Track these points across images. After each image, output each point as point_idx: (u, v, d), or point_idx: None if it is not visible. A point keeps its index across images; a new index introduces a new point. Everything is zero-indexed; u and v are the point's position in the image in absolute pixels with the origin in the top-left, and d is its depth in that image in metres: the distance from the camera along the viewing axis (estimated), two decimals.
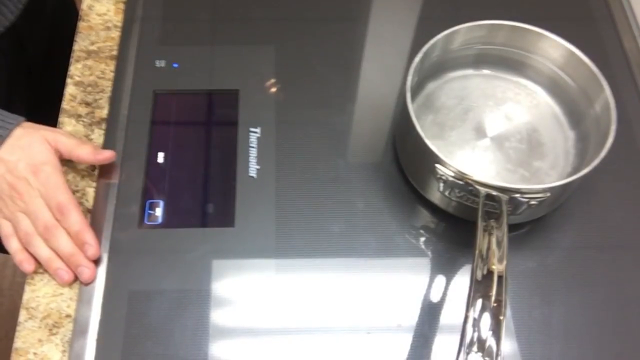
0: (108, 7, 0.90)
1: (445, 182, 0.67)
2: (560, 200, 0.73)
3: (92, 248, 0.70)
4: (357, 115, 0.82)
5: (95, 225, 0.72)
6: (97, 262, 0.71)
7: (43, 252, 0.70)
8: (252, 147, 0.78)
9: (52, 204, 0.70)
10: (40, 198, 0.70)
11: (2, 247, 1.21)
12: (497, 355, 0.54)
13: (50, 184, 0.70)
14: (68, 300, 0.69)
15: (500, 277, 0.58)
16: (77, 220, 0.70)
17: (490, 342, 0.55)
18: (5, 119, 0.72)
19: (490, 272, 0.58)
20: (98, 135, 0.79)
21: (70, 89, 0.82)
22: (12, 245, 0.72)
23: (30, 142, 0.71)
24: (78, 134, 0.79)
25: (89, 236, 0.70)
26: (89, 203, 0.75)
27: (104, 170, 0.76)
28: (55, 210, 0.70)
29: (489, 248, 0.60)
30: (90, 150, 0.74)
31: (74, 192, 0.75)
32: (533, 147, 0.75)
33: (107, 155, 0.76)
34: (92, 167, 0.77)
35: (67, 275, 0.70)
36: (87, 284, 0.70)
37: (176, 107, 0.81)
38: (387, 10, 0.92)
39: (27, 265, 0.71)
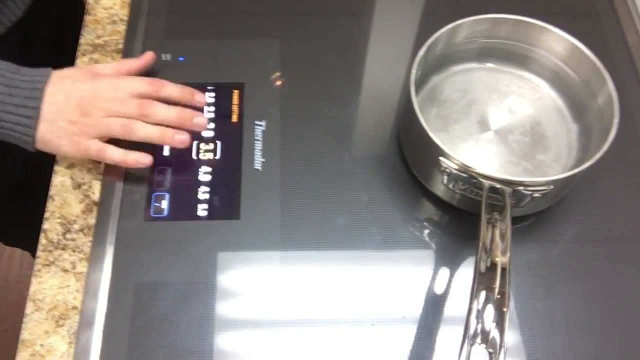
0: (114, 1, 0.90)
1: (449, 174, 0.67)
2: (563, 193, 0.73)
3: (200, 94, 0.76)
4: (361, 109, 0.83)
5: (102, 217, 0.73)
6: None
7: (151, 129, 0.70)
8: (258, 140, 0.78)
9: (132, 93, 0.71)
10: (116, 94, 0.70)
11: (5, 240, 1.22)
12: (500, 346, 0.55)
13: (119, 82, 0.71)
14: (74, 292, 0.69)
15: (503, 269, 0.58)
16: (172, 85, 0.73)
17: (494, 333, 0.55)
18: (39, 70, 0.71)
19: (493, 265, 0.59)
20: None
21: None
22: (114, 153, 0.71)
23: (73, 71, 0.73)
24: None
25: (190, 88, 0.75)
26: (95, 196, 0.75)
27: (110, 164, 0.77)
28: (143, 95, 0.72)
29: (492, 240, 0.61)
30: (132, 59, 0.78)
31: (79, 185, 0.75)
32: (536, 140, 0.76)
33: (148, 56, 0.79)
34: (97, 161, 0.77)
35: (186, 135, 0.72)
36: (204, 130, 0.76)
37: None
38: (392, 4, 0.92)
39: (145, 158, 0.72)
